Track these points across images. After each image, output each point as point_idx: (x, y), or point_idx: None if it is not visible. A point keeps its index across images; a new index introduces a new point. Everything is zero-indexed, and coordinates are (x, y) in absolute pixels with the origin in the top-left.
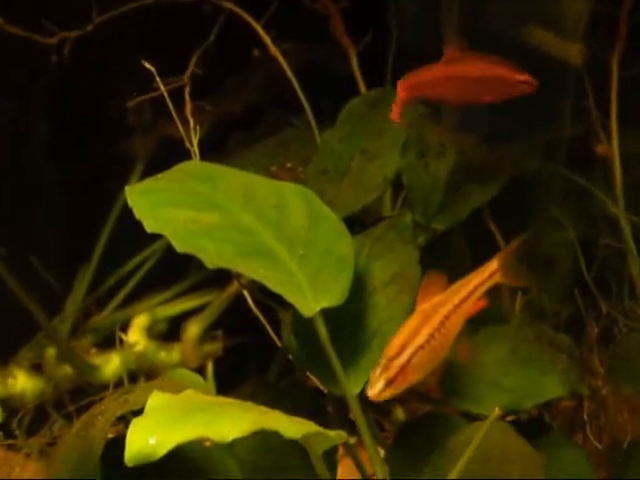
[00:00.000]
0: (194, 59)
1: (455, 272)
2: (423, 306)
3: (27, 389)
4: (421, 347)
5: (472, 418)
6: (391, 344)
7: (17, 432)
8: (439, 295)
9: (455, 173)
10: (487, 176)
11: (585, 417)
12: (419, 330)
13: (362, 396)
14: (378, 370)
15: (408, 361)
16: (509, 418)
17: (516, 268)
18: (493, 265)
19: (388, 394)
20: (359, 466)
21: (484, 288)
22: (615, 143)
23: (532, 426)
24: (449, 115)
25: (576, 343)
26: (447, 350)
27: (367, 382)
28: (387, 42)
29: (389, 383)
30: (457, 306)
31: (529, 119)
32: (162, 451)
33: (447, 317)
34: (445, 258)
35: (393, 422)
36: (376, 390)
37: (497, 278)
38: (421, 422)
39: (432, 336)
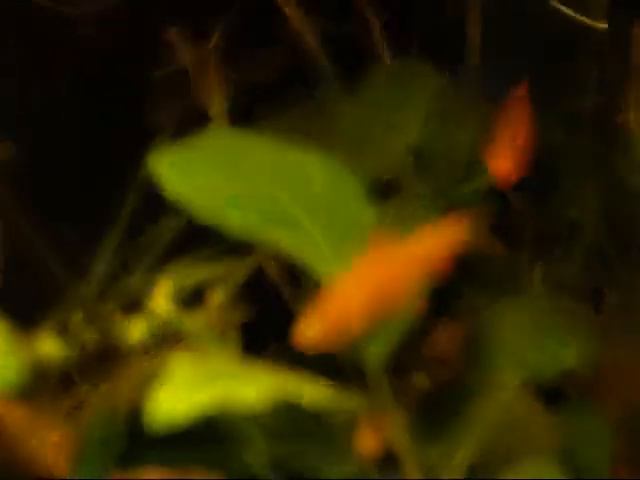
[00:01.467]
0: (217, 32)
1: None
2: (371, 255)
3: (52, 353)
4: (358, 296)
5: (492, 386)
6: (333, 290)
7: (44, 394)
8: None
9: (473, 142)
10: None
11: (603, 385)
12: (360, 278)
13: (384, 362)
14: (314, 314)
15: (344, 307)
16: (528, 387)
17: (481, 233)
18: (455, 222)
19: (318, 337)
20: (380, 433)
21: (446, 247)
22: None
23: (551, 394)
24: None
25: (596, 313)
26: (394, 304)
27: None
28: (409, 17)
29: (316, 326)
30: (407, 259)
31: (554, 89)
32: (187, 415)
33: (393, 269)
34: None
35: (414, 390)
36: (304, 333)
37: (462, 236)
38: (442, 391)
39: (373, 286)
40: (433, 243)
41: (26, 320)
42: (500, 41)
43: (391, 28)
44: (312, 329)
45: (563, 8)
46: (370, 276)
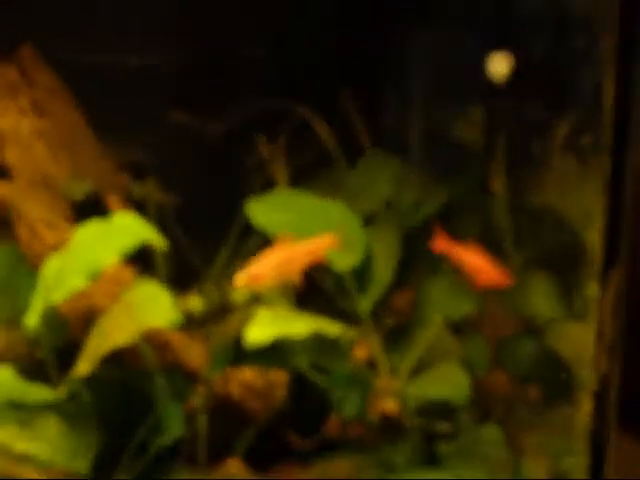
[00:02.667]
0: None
1: (416, 246)
2: (279, 247)
3: (196, 306)
4: (267, 267)
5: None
6: (256, 260)
7: (191, 329)
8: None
9: (418, 196)
10: (434, 197)
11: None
12: (270, 257)
13: (370, 312)
14: (243, 272)
15: (258, 271)
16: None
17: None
18: (331, 237)
19: (243, 284)
20: (367, 349)
21: (324, 249)
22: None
23: (457, 328)
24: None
25: None
26: (288, 277)
27: None
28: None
29: (244, 279)
30: (300, 253)
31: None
32: (265, 341)
33: (291, 256)
34: (415, 240)
35: (384, 326)
36: (236, 280)
37: (333, 245)
38: (400, 326)
39: (276, 264)
40: (313, 245)
41: (182, 289)
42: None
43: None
44: (241, 278)
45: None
46: (278, 255)
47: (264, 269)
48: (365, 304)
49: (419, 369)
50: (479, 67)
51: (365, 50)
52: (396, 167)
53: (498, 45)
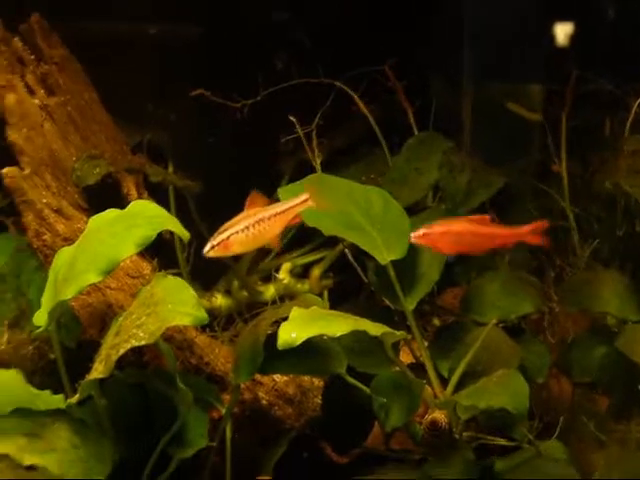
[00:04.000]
0: (317, 116)
1: None
2: (250, 210)
3: (222, 304)
4: (237, 232)
5: (479, 324)
6: (222, 226)
7: (216, 329)
8: (261, 207)
9: (470, 181)
10: (488, 183)
11: (545, 324)
12: (240, 222)
13: (415, 310)
14: (210, 240)
15: (228, 238)
16: (501, 325)
17: (320, 197)
18: (304, 195)
19: (213, 254)
20: (412, 352)
21: (298, 209)
22: (564, 164)
23: (514, 330)
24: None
25: (541, 282)
26: (263, 242)
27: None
28: (429, 106)
29: (213, 248)
30: (273, 215)
31: (513, 151)
32: (299, 341)
33: (262, 219)
34: None
35: (432, 326)
36: (206, 250)
37: (309, 203)
38: (449, 326)
39: (247, 228)
40: (291, 208)
41: (208, 285)
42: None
43: (418, 111)
44: (207, 247)
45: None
46: (244, 223)
47: (235, 235)
48: (410, 302)
49: (471, 375)
50: (539, 38)
51: (413, 23)
52: (446, 150)
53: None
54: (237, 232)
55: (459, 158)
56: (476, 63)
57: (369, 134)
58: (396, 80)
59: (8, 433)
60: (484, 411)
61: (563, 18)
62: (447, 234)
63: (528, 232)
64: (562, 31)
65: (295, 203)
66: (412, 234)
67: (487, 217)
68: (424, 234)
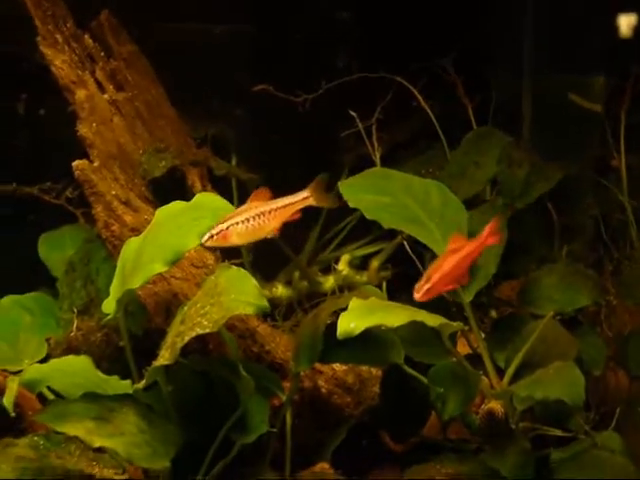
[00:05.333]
0: (377, 111)
1: (526, 230)
2: (252, 203)
3: (283, 294)
4: (237, 224)
5: (536, 317)
6: (223, 217)
7: (277, 318)
8: (264, 201)
9: (528, 175)
10: (547, 176)
11: (602, 317)
12: (241, 214)
13: (472, 302)
14: (210, 230)
15: (227, 228)
16: (558, 317)
17: (322, 195)
18: (306, 192)
19: (211, 244)
20: (469, 343)
21: (298, 205)
22: (623, 159)
23: (571, 322)
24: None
25: (598, 275)
26: (262, 235)
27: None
28: (489, 101)
29: (212, 237)
30: (273, 209)
31: (572, 146)
32: (358, 331)
33: (262, 213)
34: (522, 223)
35: (489, 318)
36: (204, 239)
37: (310, 201)
38: (506, 318)
39: (247, 220)
40: (291, 205)
41: (269, 276)
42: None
43: (478, 106)
44: (205, 237)
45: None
46: (244, 215)
47: (235, 227)
48: (467, 294)
49: (527, 367)
50: (601, 30)
51: (474, 17)
52: (504, 144)
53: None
54: (237, 223)
55: (518, 152)
56: (537, 56)
57: (428, 129)
58: (456, 75)
59: (78, 416)
60: (540, 402)
61: (627, 10)
62: (444, 277)
63: (487, 235)
64: (625, 23)
65: (296, 200)
66: (416, 295)
67: (459, 236)
68: (429, 289)
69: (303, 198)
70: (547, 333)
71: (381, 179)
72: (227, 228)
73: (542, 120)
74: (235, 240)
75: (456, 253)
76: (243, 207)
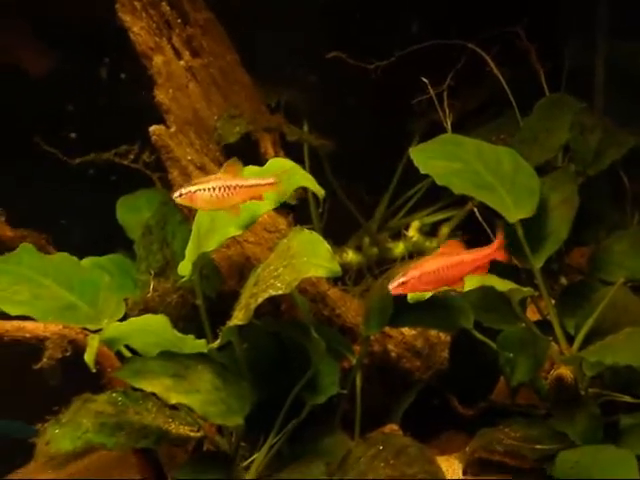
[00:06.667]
0: (449, 76)
1: (598, 197)
2: (222, 174)
3: (353, 260)
4: (203, 190)
5: (606, 284)
6: (195, 179)
7: (348, 283)
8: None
9: (601, 141)
10: (619, 142)
11: None
12: (209, 182)
13: (542, 269)
14: (180, 189)
15: (194, 192)
16: (629, 284)
17: (283, 187)
18: (272, 178)
19: (180, 201)
20: (539, 309)
21: (262, 189)
22: None
23: None
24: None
25: None
26: (223, 207)
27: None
28: (562, 68)
29: (181, 195)
30: (238, 186)
31: None
32: (427, 295)
33: (228, 187)
34: (595, 191)
35: (560, 285)
36: (175, 195)
37: (274, 187)
38: (576, 285)
39: (213, 189)
40: (253, 181)
41: (340, 242)
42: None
43: (550, 73)
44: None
45: None
46: (217, 184)
47: (201, 192)
48: (538, 260)
49: (597, 333)
50: None
51: None
52: (577, 111)
53: None
54: (203, 190)
55: (590, 119)
56: (611, 23)
57: (499, 96)
58: (528, 41)
59: (156, 374)
60: (610, 368)
61: None
62: (423, 275)
63: (495, 250)
64: None
65: (261, 183)
66: (390, 286)
67: (456, 242)
68: (402, 282)
69: (268, 183)
70: (617, 300)
71: (452, 145)
72: (194, 192)
73: (615, 86)
74: (200, 204)
75: (444, 256)
76: (214, 176)
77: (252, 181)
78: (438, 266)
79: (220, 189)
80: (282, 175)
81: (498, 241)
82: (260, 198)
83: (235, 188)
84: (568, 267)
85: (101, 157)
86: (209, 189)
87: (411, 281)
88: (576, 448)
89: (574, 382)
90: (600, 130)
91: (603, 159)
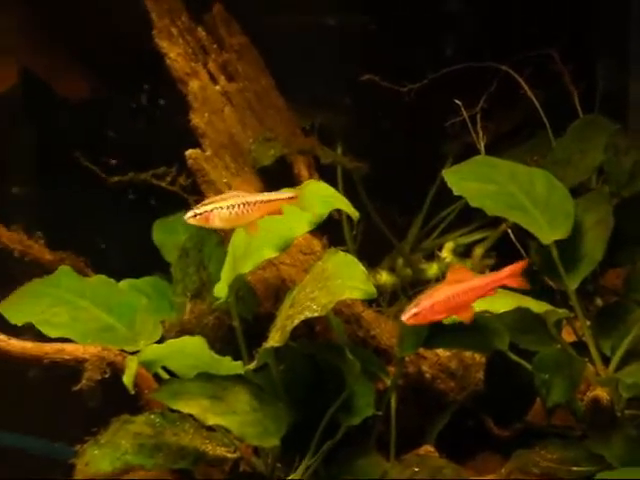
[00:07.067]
0: (483, 98)
1: (633, 219)
2: (237, 191)
3: (387, 281)
4: (221, 208)
5: None
6: (207, 199)
7: (382, 304)
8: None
9: (635, 163)
10: None
11: None
12: (227, 200)
13: (577, 290)
14: (194, 209)
15: (211, 211)
16: None
17: (305, 203)
18: (292, 192)
19: (194, 222)
20: (574, 331)
21: (282, 203)
22: None
23: None
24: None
25: None
26: (241, 224)
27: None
28: (595, 90)
29: (195, 216)
30: (258, 202)
31: None
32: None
33: (247, 203)
34: (629, 212)
35: (595, 306)
36: (187, 216)
37: (294, 201)
38: (612, 307)
39: (232, 207)
40: (271, 196)
41: (373, 263)
42: None
43: (584, 95)
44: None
45: None
46: (233, 201)
47: (219, 211)
48: (573, 281)
49: (633, 355)
50: None
51: (580, 6)
52: (611, 133)
53: None
54: (221, 208)
55: (624, 140)
56: None
57: (532, 118)
58: (561, 63)
59: (193, 395)
60: None
61: None
62: (435, 305)
63: (507, 276)
64: None
65: (281, 197)
66: (403, 317)
67: (462, 268)
68: (414, 313)
69: (289, 197)
70: None
71: (486, 167)
72: (211, 210)
73: None
74: (217, 223)
75: (454, 285)
76: (229, 193)
77: (271, 196)
78: (449, 294)
79: (239, 206)
80: (303, 189)
81: (514, 267)
82: (279, 212)
83: (255, 204)
84: (603, 288)
85: (139, 177)
86: (227, 207)
87: (423, 311)
88: (613, 470)
89: (610, 404)
90: (634, 151)
91: (637, 181)
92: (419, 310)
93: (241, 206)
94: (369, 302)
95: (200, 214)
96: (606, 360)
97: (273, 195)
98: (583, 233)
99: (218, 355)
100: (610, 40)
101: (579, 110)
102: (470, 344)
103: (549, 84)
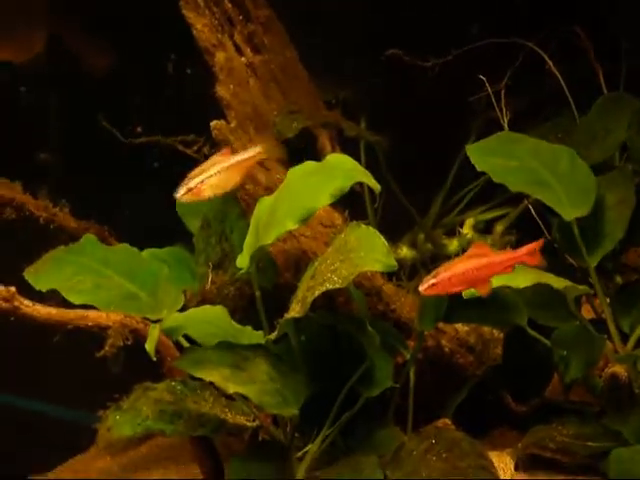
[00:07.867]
0: (507, 75)
1: None
2: (213, 158)
3: (407, 256)
4: (210, 176)
5: None
6: (192, 173)
7: (402, 278)
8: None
9: None
10: None
11: None
12: (210, 168)
13: (597, 267)
14: (183, 185)
15: (202, 182)
16: None
17: (272, 147)
18: (258, 147)
19: (186, 198)
20: (594, 308)
21: (255, 159)
22: None
23: None
24: None
25: None
26: (227, 188)
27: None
28: (620, 67)
29: (189, 191)
30: (234, 164)
31: None
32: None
33: (228, 167)
34: None
35: (615, 284)
36: (180, 194)
37: (262, 154)
38: (632, 284)
39: (218, 173)
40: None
41: (394, 238)
42: None
43: (609, 73)
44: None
45: None
46: (214, 167)
47: (208, 179)
48: (593, 258)
49: None
50: None
51: None
52: (635, 110)
53: None
54: (210, 176)
55: None
56: None
57: (557, 95)
58: (587, 40)
59: (214, 363)
60: None
61: None
62: (453, 277)
63: (525, 254)
64: None
65: (252, 154)
66: (420, 287)
67: (483, 244)
68: (432, 284)
69: (258, 152)
70: None
71: (509, 143)
72: (202, 181)
73: None
74: (208, 193)
75: (473, 259)
76: (208, 162)
77: (244, 155)
78: (467, 268)
79: (222, 171)
80: (265, 140)
81: (532, 245)
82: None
83: (234, 166)
84: (623, 266)
85: (165, 140)
86: (214, 174)
87: (440, 283)
88: (630, 446)
89: (628, 380)
90: None
91: None
92: (437, 281)
93: (223, 171)
94: (389, 276)
95: (193, 188)
96: (625, 337)
97: (244, 154)
98: (605, 211)
99: (239, 326)
100: (635, 17)
101: (604, 88)
102: (489, 319)
103: (574, 61)
